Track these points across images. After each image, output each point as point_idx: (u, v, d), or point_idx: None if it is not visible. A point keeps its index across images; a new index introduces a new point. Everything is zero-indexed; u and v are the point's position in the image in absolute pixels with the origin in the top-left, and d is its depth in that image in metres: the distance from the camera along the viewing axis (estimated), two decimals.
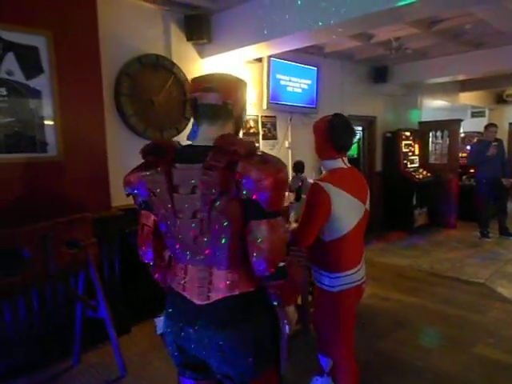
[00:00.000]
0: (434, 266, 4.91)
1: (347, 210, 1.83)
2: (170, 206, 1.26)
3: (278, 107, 4.96)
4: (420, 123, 7.14)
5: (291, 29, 3.37)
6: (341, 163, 1.90)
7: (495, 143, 5.99)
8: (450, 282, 4.36)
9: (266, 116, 4.95)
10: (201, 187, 1.19)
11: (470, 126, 9.91)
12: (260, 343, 1.31)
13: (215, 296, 1.27)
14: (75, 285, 2.81)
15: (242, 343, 1.27)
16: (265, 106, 4.81)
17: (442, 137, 6.91)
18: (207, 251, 1.26)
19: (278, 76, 4.87)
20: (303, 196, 3.30)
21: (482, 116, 10.27)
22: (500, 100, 10.50)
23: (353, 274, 1.89)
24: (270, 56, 4.61)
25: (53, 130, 2.81)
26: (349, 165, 1.95)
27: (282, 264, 1.23)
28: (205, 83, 1.31)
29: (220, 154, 1.19)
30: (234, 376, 1.31)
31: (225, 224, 1.21)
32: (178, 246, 1.31)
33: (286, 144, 5.23)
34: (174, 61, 3.86)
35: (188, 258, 1.30)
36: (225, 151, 1.19)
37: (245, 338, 1.27)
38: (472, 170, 8.61)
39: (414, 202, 6.53)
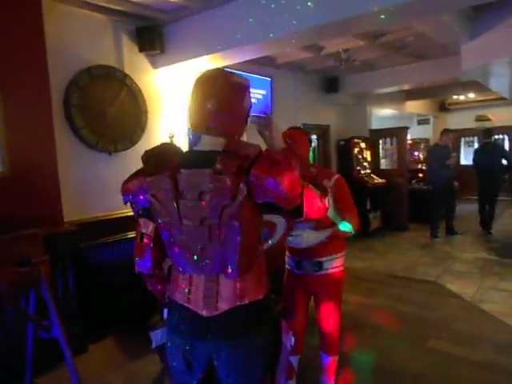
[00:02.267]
0: (389, 267, 5.11)
1: None
2: (175, 213, 1.20)
3: None
4: (371, 131, 7.45)
5: (243, 40, 3.44)
6: None
7: (454, 154, 6.41)
8: (404, 282, 4.55)
9: None
10: (211, 193, 1.15)
11: (417, 132, 10.47)
12: (268, 351, 1.30)
13: (225, 306, 1.22)
14: (25, 304, 2.67)
15: (253, 352, 1.26)
16: None
17: (392, 143, 7.25)
18: (216, 259, 1.21)
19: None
20: None
21: (426, 123, 10.88)
22: (442, 108, 11.20)
23: None
24: (223, 67, 4.66)
25: None
26: None
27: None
28: (203, 117, 1.25)
29: (230, 159, 1.15)
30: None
31: (235, 229, 1.16)
32: (182, 255, 1.25)
33: None
34: (127, 72, 3.81)
35: (193, 267, 1.24)
36: (235, 156, 1.16)
37: (256, 346, 1.26)
38: (421, 175, 9.11)
39: (368, 207, 6.76)
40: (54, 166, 2.99)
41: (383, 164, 7.38)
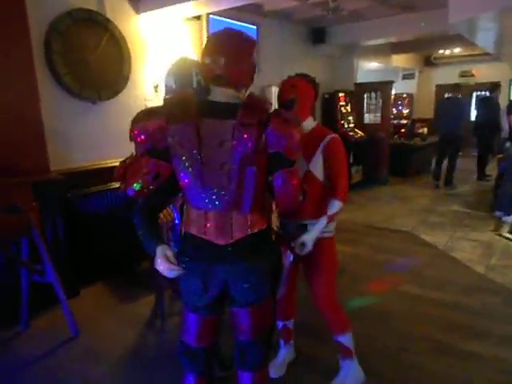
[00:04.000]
0: (368, 219, 5.32)
1: None
2: (196, 158, 1.36)
3: None
4: (355, 85, 7.41)
5: None
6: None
7: None
8: (381, 232, 4.77)
9: None
10: (234, 142, 1.33)
11: (402, 87, 10.46)
12: (274, 270, 1.57)
13: (239, 235, 1.44)
14: (17, 250, 2.74)
15: (264, 272, 1.51)
16: None
17: (376, 98, 7.26)
18: (232, 198, 1.39)
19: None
20: None
21: (412, 78, 10.85)
22: (428, 63, 11.14)
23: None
24: (208, 13, 4.52)
25: None
26: None
27: (300, 198, 1.49)
28: (216, 67, 1.36)
29: (251, 112, 1.35)
30: (254, 301, 1.52)
31: (251, 174, 1.36)
32: (201, 195, 1.40)
33: None
34: (109, 17, 3.66)
35: (211, 205, 1.41)
36: (256, 109, 1.37)
37: (266, 267, 1.51)
38: (403, 130, 9.22)
39: (351, 161, 6.87)
40: (38, 113, 2.94)
41: (367, 118, 7.42)
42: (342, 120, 6.99)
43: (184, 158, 1.37)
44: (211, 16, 4.60)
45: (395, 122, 9.47)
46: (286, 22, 6.00)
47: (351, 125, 7.21)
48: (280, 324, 2.34)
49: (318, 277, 2.03)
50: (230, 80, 1.39)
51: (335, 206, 1.92)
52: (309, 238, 1.86)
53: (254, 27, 5.27)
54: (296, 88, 1.92)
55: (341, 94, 6.99)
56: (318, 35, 6.54)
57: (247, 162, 1.34)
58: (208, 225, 1.44)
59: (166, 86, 2.21)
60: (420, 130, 8.62)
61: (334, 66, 7.31)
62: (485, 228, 4.77)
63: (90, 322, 2.90)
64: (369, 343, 2.54)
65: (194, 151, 1.36)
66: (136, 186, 1.42)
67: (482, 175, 7.32)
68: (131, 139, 1.43)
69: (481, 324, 2.77)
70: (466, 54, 9.92)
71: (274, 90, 5.53)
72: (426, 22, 5.62)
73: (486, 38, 6.49)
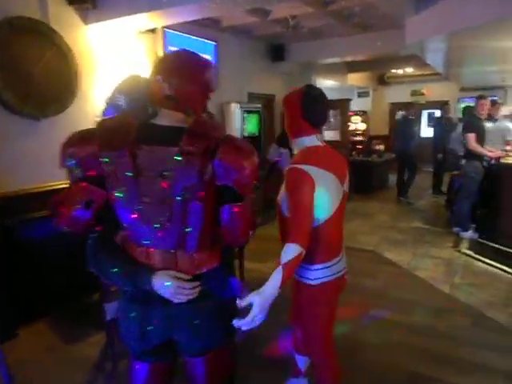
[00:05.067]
0: None
1: (329, 193, 1.60)
2: (133, 189, 1.18)
3: None
4: None
5: None
6: (316, 140, 1.70)
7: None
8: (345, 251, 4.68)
9: None
10: (176, 172, 1.15)
11: (357, 105, 10.72)
12: (226, 313, 1.33)
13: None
14: None
15: (213, 315, 1.31)
16: None
17: (336, 115, 7.34)
18: (176, 235, 1.21)
19: (173, 49, 4.59)
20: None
21: (366, 96, 11.16)
22: (381, 81, 11.54)
23: (333, 264, 1.73)
24: (164, 27, 4.33)
25: None
26: (323, 142, 1.75)
27: (250, 233, 1.34)
28: (167, 86, 1.22)
29: (196, 139, 1.17)
30: (203, 348, 1.33)
31: (197, 209, 1.19)
32: (140, 229, 1.23)
33: None
34: (54, 27, 3.37)
35: (152, 242, 1.23)
36: (202, 136, 1.18)
37: (214, 310, 1.31)
38: (360, 146, 9.38)
39: None
40: None
41: (326, 136, 7.46)
42: None
43: (120, 190, 1.18)
44: (167, 30, 4.42)
45: (352, 138, 9.67)
46: (246, 38, 5.93)
47: None
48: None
49: (299, 323, 1.92)
50: (180, 102, 1.23)
51: (285, 250, 1.41)
52: (257, 298, 1.27)
53: (213, 43, 5.14)
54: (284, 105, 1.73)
55: None
56: (277, 53, 6.54)
57: (191, 196, 1.17)
58: (150, 264, 1.25)
59: (115, 104, 1.94)
60: (377, 147, 8.80)
61: (293, 84, 7.30)
62: (444, 244, 4.81)
63: (30, 367, 2.54)
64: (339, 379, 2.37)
65: (131, 182, 1.16)
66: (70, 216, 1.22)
67: (437, 190, 7.53)
68: (61, 166, 1.22)
69: (453, 350, 2.68)
70: (418, 73, 10.33)
71: (234, 107, 5.40)
72: (382, 42, 5.73)
73: (436, 59, 6.76)
